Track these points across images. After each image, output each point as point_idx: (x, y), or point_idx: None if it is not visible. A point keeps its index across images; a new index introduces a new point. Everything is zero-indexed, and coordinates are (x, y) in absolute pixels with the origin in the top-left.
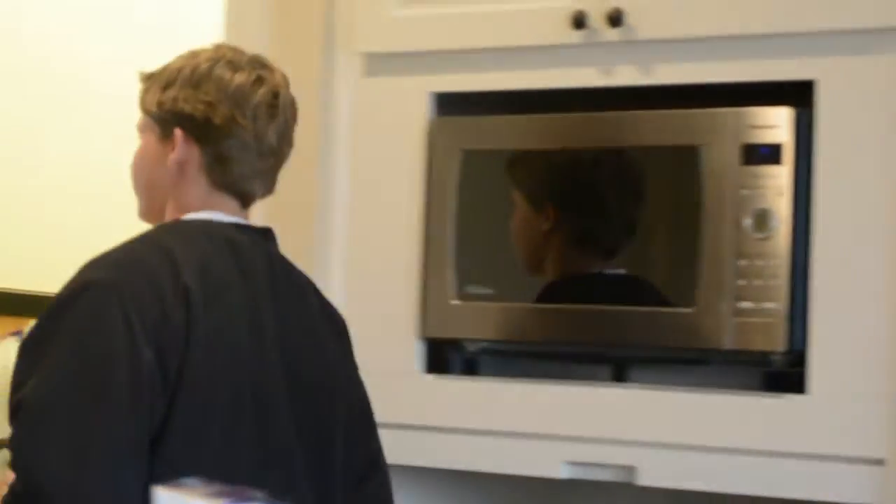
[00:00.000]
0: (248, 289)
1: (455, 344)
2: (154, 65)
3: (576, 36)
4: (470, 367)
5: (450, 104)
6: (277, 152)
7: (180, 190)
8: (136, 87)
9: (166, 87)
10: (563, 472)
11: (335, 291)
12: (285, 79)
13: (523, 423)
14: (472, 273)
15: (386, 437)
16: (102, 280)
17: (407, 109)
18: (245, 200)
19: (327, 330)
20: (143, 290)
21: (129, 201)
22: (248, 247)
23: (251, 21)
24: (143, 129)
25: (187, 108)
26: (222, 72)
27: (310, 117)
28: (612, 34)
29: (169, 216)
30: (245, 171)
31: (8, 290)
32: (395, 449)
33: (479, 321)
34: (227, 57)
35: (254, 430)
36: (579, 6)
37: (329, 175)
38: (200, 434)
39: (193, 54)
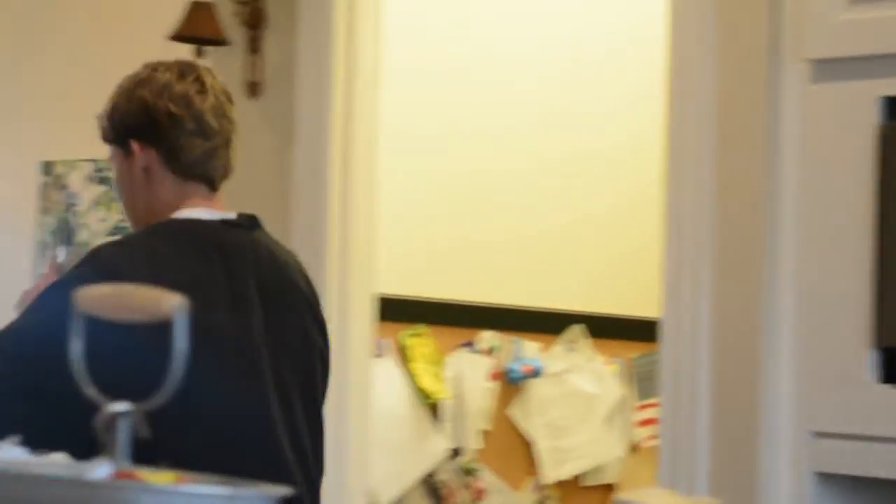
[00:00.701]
0: (235, 287)
1: None
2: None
3: None
4: None
5: None
6: (220, 131)
7: (154, 191)
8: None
9: (111, 113)
10: None
11: (784, 299)
12: (210, 70)
13: None
14: None
15: (831, 447)
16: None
17: (855, 115)
18: (210, 183)
19: (305, 303)
20: None
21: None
22: (234, 244)
23: (695, 32)
24: (111, 158)
25: (130, 119)
26: (148, 77)
27: (756, 123)
28: None
29: (153, 218)
30: (198, 155)
31: (461, 303)
32: (843, 459)
33: None
34: (150, 67)
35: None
36: None
37: (777, 183)
38: None
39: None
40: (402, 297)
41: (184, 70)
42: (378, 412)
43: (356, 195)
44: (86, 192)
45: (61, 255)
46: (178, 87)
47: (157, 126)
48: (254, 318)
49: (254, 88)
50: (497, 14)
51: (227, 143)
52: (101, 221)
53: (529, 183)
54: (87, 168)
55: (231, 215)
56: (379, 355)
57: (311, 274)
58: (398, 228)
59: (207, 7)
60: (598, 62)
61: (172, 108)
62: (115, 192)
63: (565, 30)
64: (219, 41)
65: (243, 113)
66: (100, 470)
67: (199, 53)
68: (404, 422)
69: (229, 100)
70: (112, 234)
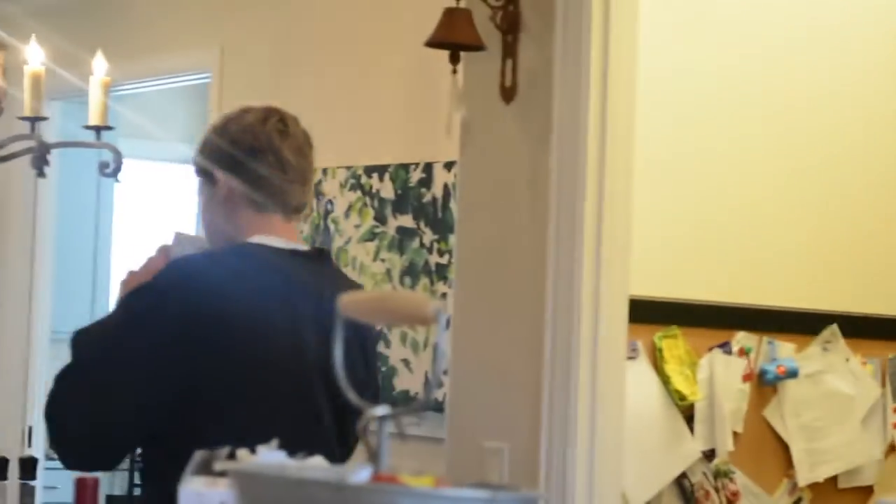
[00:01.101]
0: (293, 310)
1: None
2: None
3: None
4: None
5: None
6: (297, 168)
7: (234, 218)
8: None
9: (202, 147)
10: None
11: None
12: (294, 117)
13: None
14: None
15: None
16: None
17: None
18: (286, 214)
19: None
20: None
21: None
22: (299, 271)
23: None
24: (199, 190)
25: (217, 152)
26: (238, 117)
27: None
28: None
29: (230, 242)
30: (275, 188)
31: (714, 303)
32: None
33: None
34: (241, 109)
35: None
36: None
37: None
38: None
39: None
40: (655, 299)
41: (269, 113)
42: (631, 414)
43: (611, 198)
44: (341, 199)
45: (172, 239)
46: (262, 127)
47: (240, 159)
48: (305, 342)
49: (508, 93)
50: (756, 6)
51: (303, 179)
52: (356, 227)
53: (783, 182)
54: (343, 175)
55: (302, 246)
56: (632, 357)
57: (565, 277)
58: (650, 229)
59: (464, 13)
60: (868, 61)
61: (255, 144)
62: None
63: (831, 19)
64: (475, 47)
65: (498, 118)
66: (360, 473)
67: (455, 59)
68: (657, 423)
69: (308, 143)
70: (366, 239)
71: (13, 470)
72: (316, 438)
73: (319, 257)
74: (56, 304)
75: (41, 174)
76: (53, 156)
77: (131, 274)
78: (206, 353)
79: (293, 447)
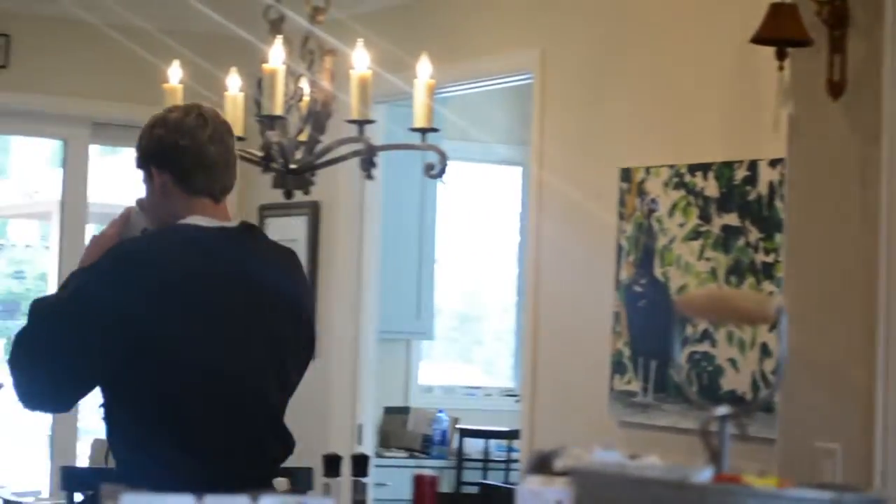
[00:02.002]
0: (220, 277)
1: None
2: None
3: None
4: None
5: None
6: (218, 156)
7: (169, 205)
8: None
9: (138, 145)
10: None
11: None
12: (214, 109)
13: None
14: None
15: None
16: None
17: None
18: (213, 198)
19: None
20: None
21: None
22: (224, 244)
23: None
24: (143, 181)
25: (150, 149)
26: (163, 116)
27: None
28: None
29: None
30: (200, 177)
31: None
32: None
33: None
34: (166, 109)
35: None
36: None
37: None
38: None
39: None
40: None
41: (189, 110)
42: None
43: None
44: (665, 197)
45: (134, 208)
46: (185, 123)
47: (167, 154)
48: (229, 301)
49: (836, 88)
50: None
51: (226, 164)
52: (680, 226)
53: None
54: (666, 174)
55: (231, 224)
56: None
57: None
58: None
59: (790, 8)
60: None
61: (179, 140)
62: None
63: None
64: (802, 42)
65: (826, 114)
66: (702, 473)
67: (781, 55)
68: None
69: (229, 131)
70: (690, 238)
71: (345, 467)
72: (245, 374)
73: (247, 231)
74: (383, 305)
75: (369, 176)
76: (380, 158)
77: (95, 237)
78: (140, 319)
79: (223, 391)
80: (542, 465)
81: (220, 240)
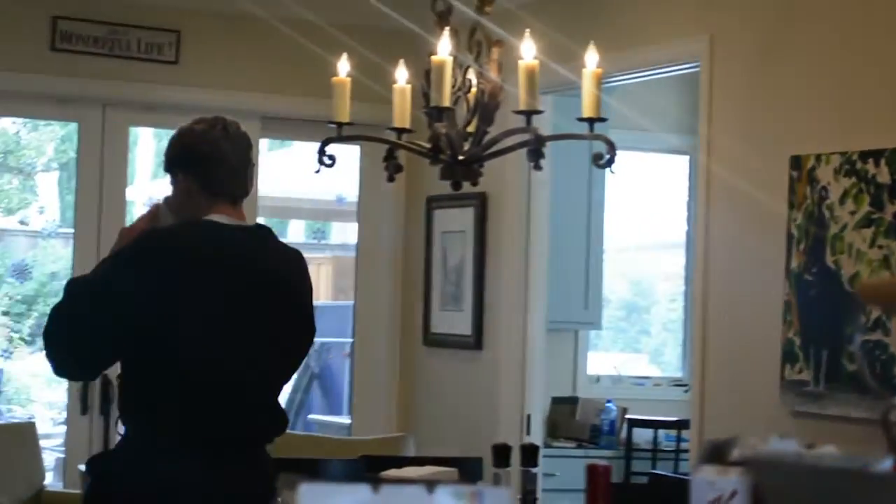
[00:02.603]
0: (232, 268)
1: None
2: None
3: None
4: None
5: None
6: (237, 165)
7: (193, 206)
8: None
9: (167, 152)
10: None
11: None
12: (236, 123)
13: None
14: None
15: None
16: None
17: None
18: (232, 200)
19: (288, 290)
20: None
21: None
22: (239, 240)
23: None
24: (169, 184)
25: (177, 156)
26: (189, 127)
27: None
28: None
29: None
30: (221, 182)
31: None
32: None
33: None
34: (194, 120)
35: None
36: None
37: None
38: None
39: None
40: None
41: (215, 122)
42: None
43: None
44: (836, 185)
45: (161, 198)
46: (209, 134)
47: (192, 161)
48: (245, 288)
49: None
50: None
51: (244, 173)
52: (851, 214)
53: None
54: (837, 161)
55: (247, 223)
56: None
57: None
58: None
59: None
60: None
61: (204, 148)
62: None
63: None
64: None
65: None
66: (883, 462)
67: None
68: None
69: (248, 143)
70: (862, 226)
71: (515, 457)
72: (245, 352)
73: (259, 231)
74: (550, 295)
75: (537, 167)
76: (547, 148)
77: (125, 229)
78: (152, 302)
79: (225, 363)
80: (717, 454)
81: (237, 235)
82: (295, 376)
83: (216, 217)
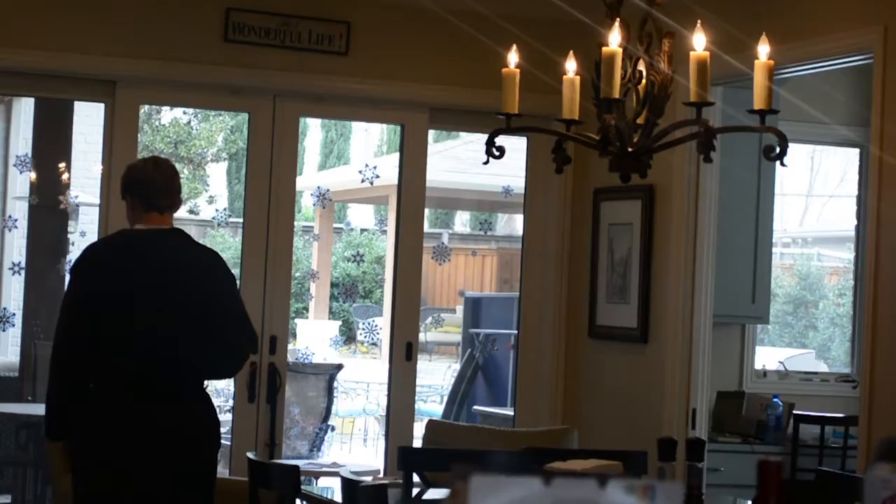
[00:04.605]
0: (145, 264)
1: None
2: None
3: None
4: None
5: None
6: (163, 186)
7: (134, 217)
8: None
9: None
10: None
11: None
12: (166, 158)
13: None
14: None
15: None
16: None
17: None
18: (160, 210)
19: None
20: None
21: None
22: (151, 240)
23: None
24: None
25: (123, 181)
26: (132, 164)
27: None
28: None
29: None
30: (148, 199)
31: None
32: None
33: None
34: (137, 160)
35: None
36: None
37: None
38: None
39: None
40: None
41: (147, 160)
42: None
43: None
44: None
45: None
46: (143, 168)
47: (131, 185)
48: (155, 280)
49: None
50: None
51: (168, 192)
52: None
53: None
54: None
55: (163, 227)
56: None
57: None
58: None
59: None
60: None
61: (136, 176)
62: None
63: None
64: None
65: None
66: None
67: None
68: None
69: (174, 171)
70: None
71: (680, 451)
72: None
73: (176, 233)
74: (717, 289)
75: (707, 159)
76: (717, 140)
77: None
78: (86, 294)
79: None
80: (892, 452)
81: (149, 238)
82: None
83: (139, 225)
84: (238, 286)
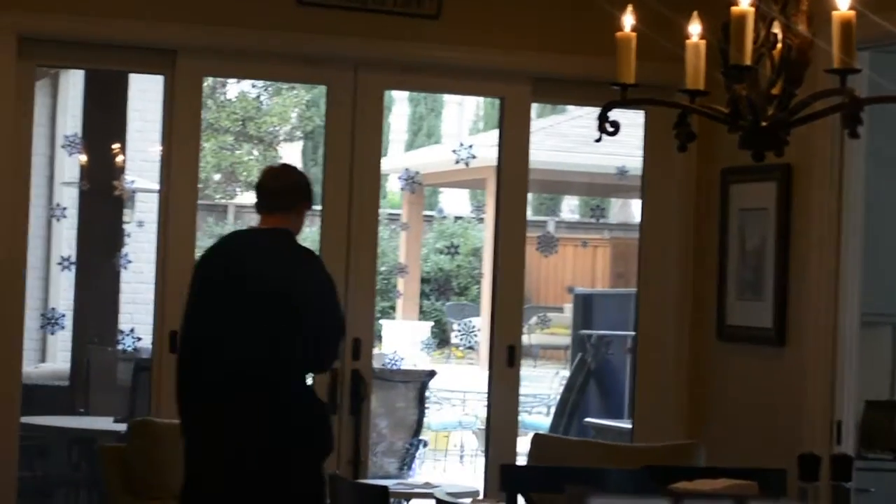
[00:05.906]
0: (234, 260)
1: None
2: None
3: None
4: None
5: None
6: (273, 190)
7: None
8: None
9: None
10: None
11: None
12: (286, 166)
13: None
14: None
15: None
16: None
17: None
18: (270, 211)
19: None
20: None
21: None
22: (249, 239)
23: None
24: None
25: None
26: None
27: None
28: None
29: None
30: (261, 201)
31: None
32: None
33: None
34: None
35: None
36: None
37: None
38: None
39: None
40: None
41: (268, 169)
42: None
43: None
44: None
45: None
46: (263, 175)
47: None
48: (242, 275)
49: None
50: None
51: (277, 195)
52: None
53: None
54: None
55: (263, 228)
56: None
57: None
58: None
59: None
60: None
61: (258, 182)
62: None
63: None
64: None
65: None
66: None
67: None
68: None
69: (287, 175)
70: None
71: (824, 470)
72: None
73: (279, 233)
74: (866, 284)
75: (853, 134)
76: (864, 113)
77: None
78: (190, 292)
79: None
80: None
81: (247, 237)
82: (567, 373)
83: (255, 224)
84: (335, 287)
